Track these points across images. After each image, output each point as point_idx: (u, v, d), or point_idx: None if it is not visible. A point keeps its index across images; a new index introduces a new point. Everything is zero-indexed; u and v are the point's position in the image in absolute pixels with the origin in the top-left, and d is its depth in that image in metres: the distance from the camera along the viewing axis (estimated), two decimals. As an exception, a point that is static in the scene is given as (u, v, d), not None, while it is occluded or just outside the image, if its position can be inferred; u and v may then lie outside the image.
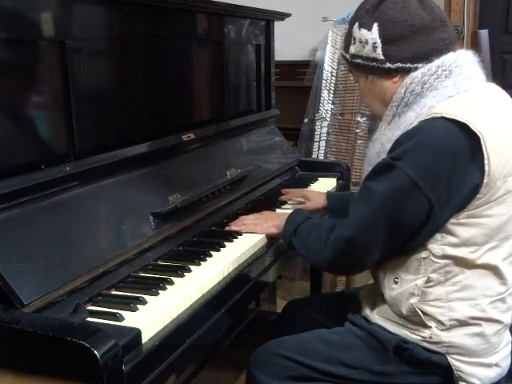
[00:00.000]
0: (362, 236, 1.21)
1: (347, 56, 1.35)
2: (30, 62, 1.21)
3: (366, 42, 1.27)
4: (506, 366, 1.29)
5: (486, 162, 1.14)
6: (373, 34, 1.25)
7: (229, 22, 1.97)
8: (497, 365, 1.26)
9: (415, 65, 1.24)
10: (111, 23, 1.44)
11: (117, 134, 1.47)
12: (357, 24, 1.29)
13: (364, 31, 1.27)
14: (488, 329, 1.22)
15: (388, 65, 1.26)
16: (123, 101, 1.49)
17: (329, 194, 1.73)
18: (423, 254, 1.21)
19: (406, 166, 1.15)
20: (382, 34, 1.24)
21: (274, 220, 1.50)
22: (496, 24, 3.72)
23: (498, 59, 3.74)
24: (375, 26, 1.25)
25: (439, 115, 1.16)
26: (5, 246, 1.05)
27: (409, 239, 1.21)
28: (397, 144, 1.20)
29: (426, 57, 1.23)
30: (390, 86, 1.28)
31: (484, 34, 3.01)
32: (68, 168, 1.25)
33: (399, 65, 1.25)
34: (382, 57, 1.25)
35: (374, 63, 1.27)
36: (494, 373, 1.26)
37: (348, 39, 1.34)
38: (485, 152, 1.14)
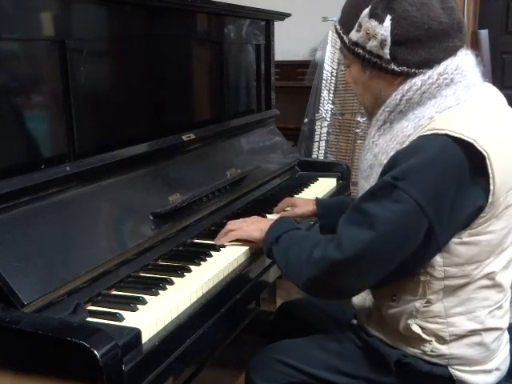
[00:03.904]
0: (354, 262, 1.11)
1: (345, 40, 1.20)
2: (30, 62, 1.21)
3: (374, 37, 1.13)
4: (505, 368, 1.28)
5: (490, 181, 1.08)
6: (384, 30, 1.11)
7: (229, 21, 1.97)
8: (497, 369, 1.25)
9: (420, 70, 1.13)
10: (111, 23, 1.44)
11: (117, 133, 1.47)
12: (367, 10, 1.13)
13: (374, 23, 1.12)
14: (488, 337, 1.21)
15: (393, 66, 1.14)
16: (123, 101, 1.49)
17: (318, 201, 1.64)
18: (422, 278, 1.16)
19: (410, 186, 1.06)
20: (395, 33, 1.11)
21: (259, 224, 1.41)
22: (496, 24, 3.73)
23: (498, 59, 3.74)
24: (388, 20, 1.11)
25: (442, 132, 1.08)
26: (5, 245, 1.05)
27: (406, 262, 1.12)
28: (395, 161, 1.10)
29: (433, 64, 1.13)
30: (387, 87, 1.18)
31: (484, 34, 3.01)
32: (68, 168, 1.25)
33: (404, 69, 1.14)
34: (388, 56, 1.13)
35: (377, 60, 1.15)
36: (495, 377, 1.25)
37: (351, 20, 1.18)
38: (490, 172, 1.08)
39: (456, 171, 1.08)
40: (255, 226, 1.41)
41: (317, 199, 1.66)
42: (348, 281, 1.15)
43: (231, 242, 1.44)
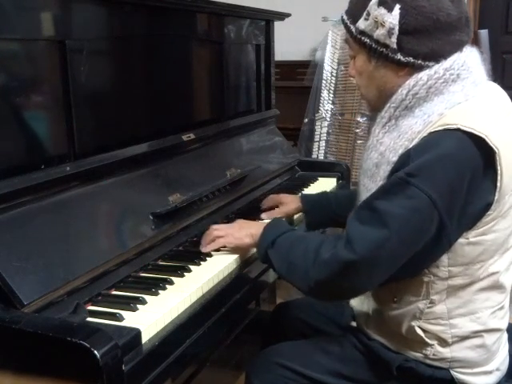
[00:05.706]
0: (367, 261, 1.08)
1: (352, 29, 1.19)
2: (30, 62, 1.21)
3: (382, 25, 1.12)
4: (504, 368, 1.28)
5: (498, 178, 1.08)
6: (392, 18, 1.10)
7: (229, 22, 1.97)
8: (497, 369, 1.25)
9: (426, 63, 1.12)
10: (111, 23, 1.44)
11: (117, 133, 1.47)
12: None
13: (383, 11, 1.11)
14: (489, 339, 1.20)
15: (399, 56, 1.13)
16: (123, 101, 1.49)
17: (303, 197, 1.64)
18: (426, 278, 1.15)
19: (424, 183, 1.05)
20: (403, 22, 1.10)
21: (249, 228, 1.34)
22: (496, 24, 3.73)
23: (498, 59, 3.74)
24: (397, 9, 1.10)
25: (454, 126, 1.07)
26: (5, 245, 1.05)
27: (415, 261, 1.11)
28: (408, 158, 1.09)
29: (439, 57, 1.12)
30: (392, 78, 1.17)
31: (484, 34, 3.00)
32: (68, 168, 1.25)
33: (411, 59, 1.13)
34: (394, 46, 1.12)
35: (383, 49, 1.14)
36: (495, 377, 1.25)
37: (359, 9, 1.17)
38: (498, 168, 1.08)
39: (469, 166, 1.07)
40: (245, 232, 1.34)
41: (302, 195, 1.66)
42: (358, 281, 1.12)
43: (219, 249, 1.37)
